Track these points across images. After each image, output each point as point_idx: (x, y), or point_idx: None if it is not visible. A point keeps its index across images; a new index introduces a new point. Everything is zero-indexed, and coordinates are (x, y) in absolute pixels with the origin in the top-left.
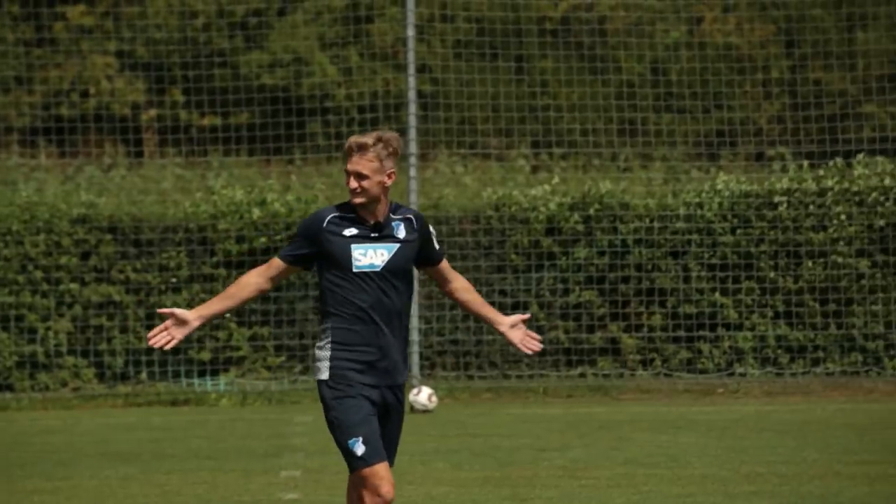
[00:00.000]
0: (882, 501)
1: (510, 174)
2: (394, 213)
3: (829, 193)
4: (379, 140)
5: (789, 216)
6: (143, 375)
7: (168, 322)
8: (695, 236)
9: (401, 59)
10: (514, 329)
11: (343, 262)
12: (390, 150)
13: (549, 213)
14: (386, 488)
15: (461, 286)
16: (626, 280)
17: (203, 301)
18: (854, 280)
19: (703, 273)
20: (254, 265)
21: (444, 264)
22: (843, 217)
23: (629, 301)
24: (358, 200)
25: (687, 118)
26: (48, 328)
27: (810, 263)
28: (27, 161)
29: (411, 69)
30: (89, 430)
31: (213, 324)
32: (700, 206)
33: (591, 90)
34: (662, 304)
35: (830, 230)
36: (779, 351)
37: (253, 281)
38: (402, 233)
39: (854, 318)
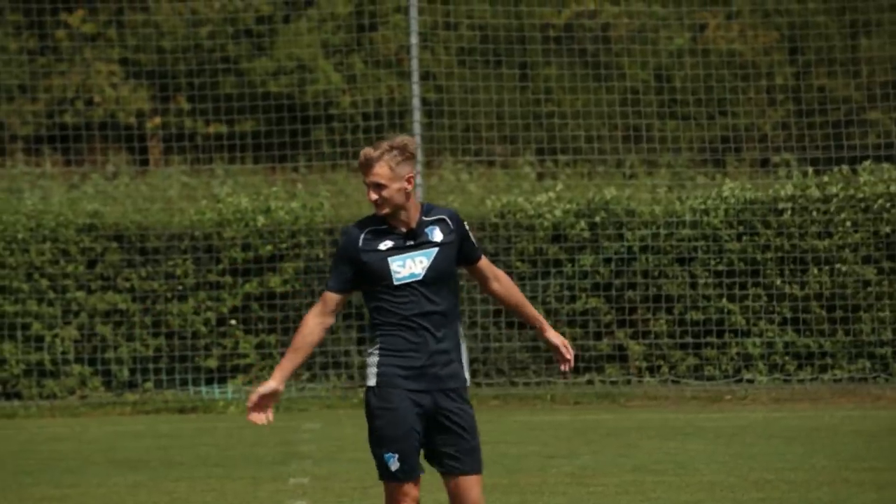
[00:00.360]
0: None
1: (515, 181)
2: (426, 216)
3: (835, 200)
4: (390, 147)
5: (795, 223)
6: (150, 384)
7: (256, 400)
8: (701, 243)
9: (405, 67)
10: (556, 336)
11: (383, 276)
12: (405, 155)
13: (554, 221)
14: None
15: (504, 284)
16: (632, 287)
17: (210, 308)
18: (861, 287)
19: (709, 280)
20: (259, 273)
21: (484, 262)
22: (848, 224)
23: (636, 308)
24: (382, 211)
25: (691, 125)
26: (55, 336)
27: (816, 270)
28: (32, 169)
29: (415, 76)
30: (97, 437)
31: (219, 331)
32: (706, 212)
33: (595, 97)
34: (669, 311)
35: (836, 237)
36: (786, 357)
37: (314, 323)
38: (438, 236)
39: (861, 325)
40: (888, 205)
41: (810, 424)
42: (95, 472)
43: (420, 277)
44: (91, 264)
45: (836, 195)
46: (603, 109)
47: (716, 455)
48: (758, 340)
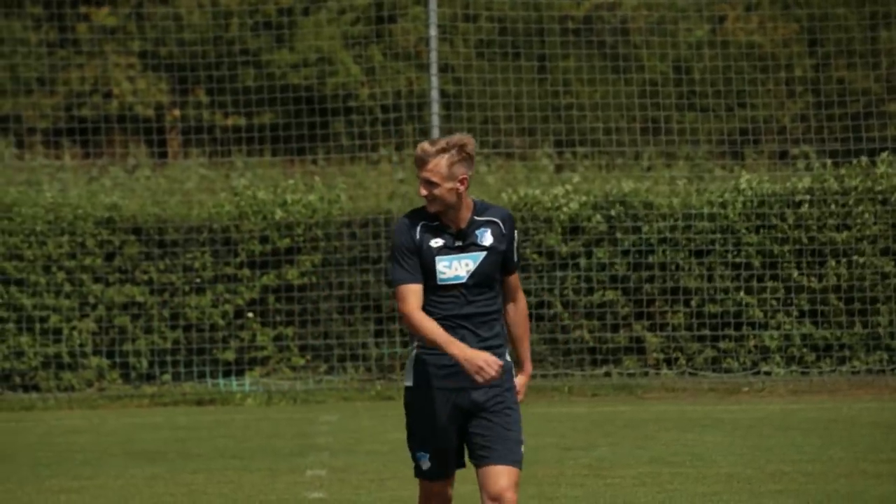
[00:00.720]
0: None
1: (533, 173)
2: (479, 215)
3: (853, 192)
4: (448, 145)
5: (812, 215)
6: (168, 376)
7: (485, 362)
8: (718, 235)
9: (423, 59)
10: (521, 379)
11: (428, 273)
12: (462, 154)
13: (570, 213)
14: None
15: (518, 311)
16: (650, 280)
17: (228, 300)
18: (879, 279)
19: (727, 272)
20: (277, 265)
21: (514, 279)
22: (866, 216)
23: (654, 300)
24: (432, 208)
25: (710, 117)
26: (73, 328)
27: (834, 263)
28: (52, 162)
29: (434, 69)
30: (115, 429)
31: (236, 324)
32: (724, 205)
33: (613, 89)
34: (687, 304)
35: (854, 229)
36: (804, 350)
37: (423, 314)
38: (488, 239)
39: (879, 317)
40: None
41: (828, 416)
42: (113, 465)
43: (463, 281)
44: (109, 257)
45: (855, 187)
46: (622, 101)
47: (733, 447)
48: (775, 333)
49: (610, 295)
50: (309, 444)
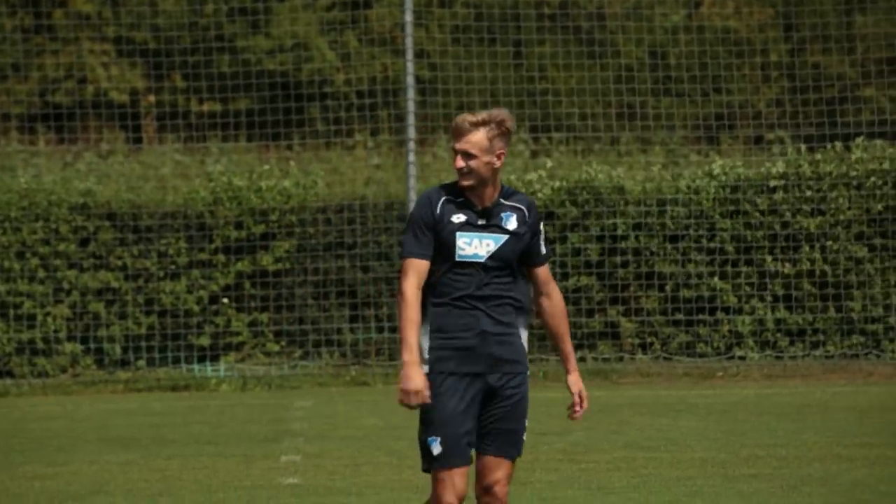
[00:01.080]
0: (881, 483)
1: (509, 159)
2: (505, 199)
3: (827, 178)
4: (489, 118)
5: (786, 200)
6: (142, 362)
7: (415, 392)
8: (692, 221)
9: (399, 45)
10: (577, 383)
11: (447, 249)
12: (502, 129)
13: (545, 199)
14: (449, 497)
15: (554, 304)
16: (624, 265)
17: (202, 286)
18: (853, 264)
19: (701, 257)
20: (252, 251)
21: (544, 271)
22: (840, 201)
23: (628, 285)
24: (466, 182)
25: (686, 102)
26: (46, 314)
27: (808, 248)
28: (26, 148)
29: (409, 54)
30: (89, 415)
31: (211, 310)
32: (697, 191)
33: (589, 75)
34: (661, 289)
35: (828, 214)
36: (778, 334)
37: (417, 294)
38: (512, 224)
39: (853, 302)
40: (880, 182)
41: (802, 401)
42: (87, 450)
43: (482, 260)
44: (83, 243)
45: (830, 173)
46: (597, 87)
47: (707, 431)
48: (748, 318)
49: (584, 280)
50: (284, 429)
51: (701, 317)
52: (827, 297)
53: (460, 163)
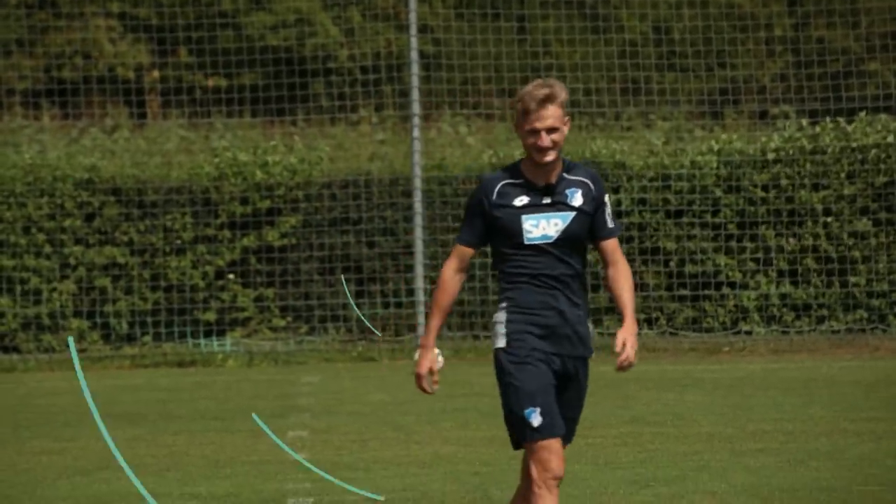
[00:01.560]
0: (888, 458)
1: (513, 135)
2: (568, 173)
3: (830, 151)
4: (555, 91)
5: (789, 175)
6: (149, 337)
7: (426, 374)
8: (696, 196)
9: (403, 20)
10: (623, 333)
11: (514, 234)
12: (563, 99)
13: None
14: (556, 463)
15: (619, 272)
16: (628, 240)
17: (208, 262)
18: (858, 239)
19: (705, 232)
20: (258, 227)
21: (612, 244)
22: (843, 175)
23: (633, 260)
24: (549, 158)
25: (690, 77)
26: (52, 290)
27: (811, 223)
28: (30, 123)
29: (413, 29)
30: (96, 391)
31: (217, 285)
32: (700, 166)
33: (593, 50)
34: (666, 264)
35: (831, 188)
36: (784, 309)
37: (453, 278)
38: (577, 200)
39: (857, 277)
40: (883, 155)
41: (808, 375)
42: (94, 426)
43: (552, 240)
44: (89, 218)
45: (832, 147)
46: (601, 62)
47: (714, 406)
48: (754, 293)
49: (589, 255)
50: (290, 405)
51: (706, 292)
52: (832, 272)
53: (545, 140)
